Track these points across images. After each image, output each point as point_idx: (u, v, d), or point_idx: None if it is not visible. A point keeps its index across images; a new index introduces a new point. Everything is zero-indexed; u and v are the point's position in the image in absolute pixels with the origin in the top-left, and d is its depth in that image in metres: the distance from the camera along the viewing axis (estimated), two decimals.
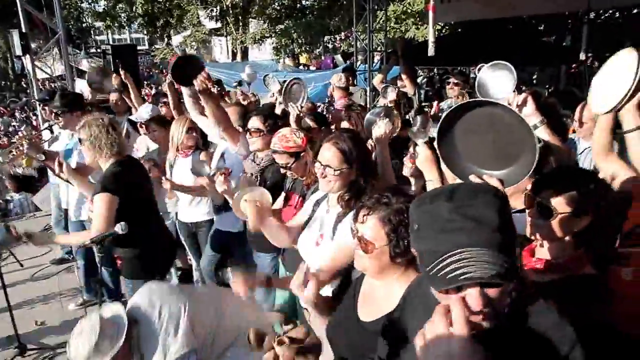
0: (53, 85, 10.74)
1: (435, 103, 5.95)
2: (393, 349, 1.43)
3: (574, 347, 1.13)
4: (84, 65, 17.33)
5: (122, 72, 5.02)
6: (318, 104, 7.90)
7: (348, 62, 14.96)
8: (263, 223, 2.42)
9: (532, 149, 1.49)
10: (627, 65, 1.77)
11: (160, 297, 2.29)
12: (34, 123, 14.21)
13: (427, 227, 1.09)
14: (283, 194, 3.08)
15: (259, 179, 3.21)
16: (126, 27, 29.70)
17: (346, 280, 2.07)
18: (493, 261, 1.01)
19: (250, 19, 22.12)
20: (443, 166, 1.86)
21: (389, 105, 4.67)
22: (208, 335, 2.33)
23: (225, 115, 3.46)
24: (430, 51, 3.64)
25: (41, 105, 5.73)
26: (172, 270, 4.74)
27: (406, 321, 1.42)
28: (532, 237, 1.69)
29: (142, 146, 4.68)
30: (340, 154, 2.24)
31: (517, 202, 1.86)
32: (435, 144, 1.67)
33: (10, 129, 16.10)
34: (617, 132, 2.03)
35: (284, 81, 4.35)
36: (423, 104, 6.56)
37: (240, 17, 22.27)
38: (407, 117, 5.29)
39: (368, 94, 8.95)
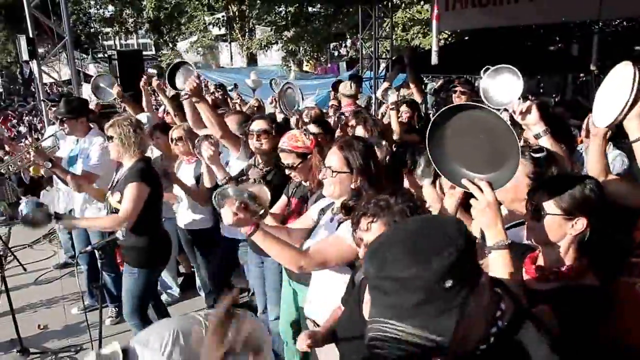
0: (59, 90, 10.83)
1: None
2: None
3: None
4: (91, 70, 17.47)
5: (143, 79, 5.09)
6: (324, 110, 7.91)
7: (354, 69, 14.99)
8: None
9: (516, 154, 1.51)
10: (625, 78, 1.80)
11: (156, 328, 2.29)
12: (39, 127, 14.30)
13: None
14: (283, 198, 3.07)
15: (262, 184, 3.19)
16: (133, 33, 29.97)
17: (351, 283, 2.06)
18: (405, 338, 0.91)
19: (256, 26, 22.25)
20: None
21: (391, 106, 4.68)
22: None
23: (222, 122, 3.47)
24: (434, 60, 3.64)
25: (49, 106, 5.76)
26: (171, 277, 4.74)
27: None
28: (528, 241, 1.71)
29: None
30: (342, 157, 2.26)
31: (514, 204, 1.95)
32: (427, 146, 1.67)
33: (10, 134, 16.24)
34: (624, 142, 2.04)
35: (281, 89, 4.39)
36: (429, 112, 6.54)
37: (246, 24, 22.42)
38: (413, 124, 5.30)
39: (374, 101, 8.96)
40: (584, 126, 3.27)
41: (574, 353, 1.38)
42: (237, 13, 21.90)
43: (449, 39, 15.31)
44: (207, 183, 3.52)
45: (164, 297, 4.50)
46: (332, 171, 2.25)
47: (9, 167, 4.83)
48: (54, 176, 4.53)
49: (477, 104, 1.62)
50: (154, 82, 5.07)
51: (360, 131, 3.49)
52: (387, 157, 3.03)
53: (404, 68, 6.46)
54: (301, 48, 20.33)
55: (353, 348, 1.80)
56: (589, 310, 1.51)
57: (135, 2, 24.16)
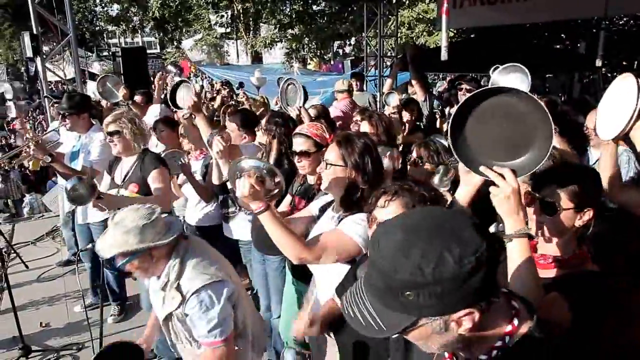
0: (64, 88, 10.86)
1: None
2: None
3: None
4: (96, 68, 17.49)
5: (159, 74, 5.14)
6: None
7: (359, 67, 14.94)
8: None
9: (548, 135, 1.47)
10: (627, 90, 1.82)
11: None
12: (43, 124, 14.34)
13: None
14: (288, 197, 3.02)
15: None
16: (138, 31, 30.04)
17: (351, 276, 2.02)
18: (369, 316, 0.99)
19: (261, 24, 22.23)
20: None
21: (393, 110, 4.67)
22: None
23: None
24: (443, 56, 3.58)
25: (52, 103, 5.76)
26: None
27: None
28: (538, 235, 1.68)
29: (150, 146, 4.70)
30: (338, 152, 2.24)
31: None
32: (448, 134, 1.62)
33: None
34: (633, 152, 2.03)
35: (282, 86, 4.38)
36: (434, 110, 6.48)
37: (251, 22, 22.40)
38: (417, 123, 5.29)
39: (378, 99, 8.90)
40: (586, 123, 3.24)
41: (582, 344, 1.37)
42: (241, 11, 21.88)
43: (455, 37, 15.22)
44: (215, 179, 3.49)
45: None
46: (327, 163, 2.25)
47: (9, 160, 4.81)
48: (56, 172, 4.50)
49: (506, 87, 1.58)
50: (169, 79, 5.12)
51: (366, 127, 3.45)
52: (398, 163, 2.97)
53: (406, 65, 6.41)
54: (305, 46, 20.29)
55: (352, 342, 1.77)
56: (597, 296, 1.51)
57: (140, 0, 24.20)
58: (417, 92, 5.94)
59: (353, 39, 21.37)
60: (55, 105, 5.14)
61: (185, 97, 3.66)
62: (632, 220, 2.18)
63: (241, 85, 9.65)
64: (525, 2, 7.71)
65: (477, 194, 1.74)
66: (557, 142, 2.15)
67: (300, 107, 3.87)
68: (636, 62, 13.14)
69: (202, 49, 24.79)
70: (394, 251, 0.96)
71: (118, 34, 32.92)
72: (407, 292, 0.94)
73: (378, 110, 6.75)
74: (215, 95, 9.16)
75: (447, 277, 0.92)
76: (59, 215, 6.01)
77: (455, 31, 14.74)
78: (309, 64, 21.68)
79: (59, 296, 4.85)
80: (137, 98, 5.71)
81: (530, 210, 1.66)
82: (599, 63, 6.91)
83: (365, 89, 7.74)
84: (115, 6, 26.83)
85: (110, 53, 14.32)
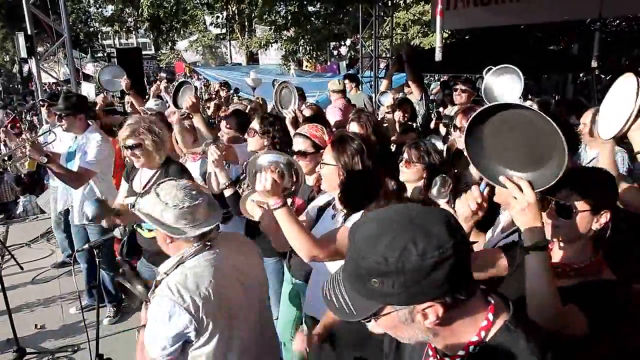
0: (59, 89, 10.83)
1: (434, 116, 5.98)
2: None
3: None
4: (89, 69, 17.43)
5: (156, 83, 5.23)
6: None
7: (352, 69, 14.97)
8: (270, 224, 2.38)
9: (562, 152, 1.46)
10: (628, 89, 1.82)
11: None
12: (38, 126, 14.28)
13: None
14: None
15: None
16: (133, 32, 29.95)
17: None
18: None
19: (256, 25, 22.22)
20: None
21: (387, 110, 4.70)
22: None
23: (215, 134, 3.62)
24: (438, 56, 3.60)
25: (45, 105, 5.73)
26: None
27: None
28: (554, 240, 1.66)
29: None
30: (331, 151, 2.29)
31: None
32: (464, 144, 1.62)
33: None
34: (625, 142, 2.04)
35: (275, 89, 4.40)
36: (430, 110, 6.52)
37: (246, 23, 22.39)
38: (409, 123, 5.31)
39: (374, 100, 8.93)
40: (586, 124, 3.27)
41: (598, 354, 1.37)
42: (236, 12, 21.87)
43: (450, 38, 15.30)
44: (214, 188, 3.48)
45: None
46: (322, 163, 2.31)
47: (3, 160, 4.78)
48: (49, 174, 4.48)
49: (522, 104, 1.59)
50: (162, 85, 5.15)
51: (355, 127, 3.49)
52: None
53: (403, 66, 6.45)
54: (301, 47, 20.30)
55: (346, 344, 1.78)
56: (613, 306, 1.50)
57: (134, 0, 24.12)
58: (413, 92, 5.98)
59: (348, 40, 21.41)
60: (51, 107, 5.11)
61: (186, 98, 3.65)
62: None
63: (236, 91, 9.58)
64: (518, 3, 7.74)
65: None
66: None
67: (295, 109, 3.89)
68: (627, 62, 13.24)
69: (197, 50, 24.74)
70: (365, 239, 1.02)
71: (112, 35, 32.80)
72: (373, 280, 0.99)
73: (374, 111, 6.78)
74: (213, 95, 9.12)
75: (409, 268, 0.96)
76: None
77: (449, 32, 14.81)
78: (306, 66, 21.69)
79: (54, 298, 4.82)
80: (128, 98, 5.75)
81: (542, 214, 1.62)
82: (594, 64, 6.95)
83: (360, 89, 7.75)
84: (110, 7, 26.75)
85: (106, 54, 14.30)
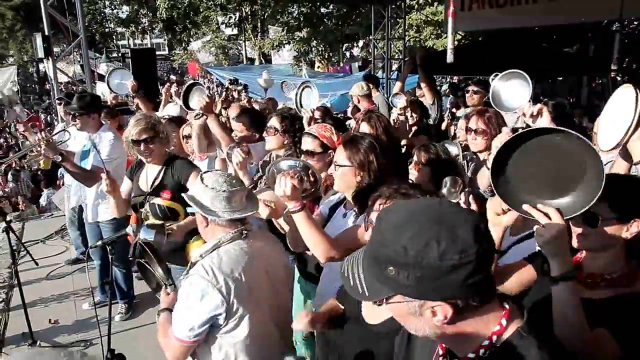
0: (74, 89, 11.01)
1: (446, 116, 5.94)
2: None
3: None
4: (102, 69, 17.66)
5: (166, 85, 5.30)
6: (337, 113, 7.86)
7: (366, 70, 14.94)
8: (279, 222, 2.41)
9: (596, 175, 1.41)
10: (627, 101, 1.79)
11: None
12: (55, 124, 14.52)
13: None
14: None
15: None
16: (147, 33, 30.28)
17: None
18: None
19: (269, 26, 22.32)
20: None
21: (399, 112, 4.68)
22: None
23: (228, 137, 3.58)
24: (449, 58, 3.58)
25: (62, 104, 5.83)
26: None
27: None
28: (580, 249, 1.61)
29: None
30: (344, 152, 2.32)
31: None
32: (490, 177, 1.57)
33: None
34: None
35: (299, 87, 4.42)
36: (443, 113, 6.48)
37: (258, 24, 22.50)
38: (421, 124, 5.28)
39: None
40: (594, 130, 3.23)
41: None
42: (249, 13, 21.99)
43: (463, 40, 15.20)
44: None
45: None
46: (336, 165, 2.32)
47: (20, 159, 4.88)
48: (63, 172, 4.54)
49: (556, 128, 1.56)
50: (173, 88, 5.22)
51: (365, 127, 3.49)
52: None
53: (415, 68, 6.41)
54: (313, 48, 20.34)
55: (347, 346, 1.78)
56: None
57: (150, 1, 24.39)
58: (425, 95, 5.94)
59: (361, 41, 21.40)
60: (65, 106, 5.20)
61: (197, 99, 3.68)
62: None
63: (245, 88, 9.63)
64: (535, 4, 7.59)
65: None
66: None
67: (313, 109, 3.93)
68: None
69: (210, 51, 24.92)
70: (390, 227, 1.03)
71: (127, 35, 33.21)
72: (390, 267, 1.00)
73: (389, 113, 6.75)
74: (226, 93, 9.17)
75: (426, 265, 0.96)
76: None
77: (463, 34, 14.71)
78: (318, 67, 21.72)
79: (68, 294, 4.90)
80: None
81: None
82: (614, 66, 6.81)
83: (378, 91, 7.70)
84: (125, 8, 27.10)
85: (120, 54, 14.50)
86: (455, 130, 5.23)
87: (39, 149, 3.94)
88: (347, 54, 24.67)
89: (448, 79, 15.83)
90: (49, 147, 3.85)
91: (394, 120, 4.99)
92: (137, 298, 4.57)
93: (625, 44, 11.63)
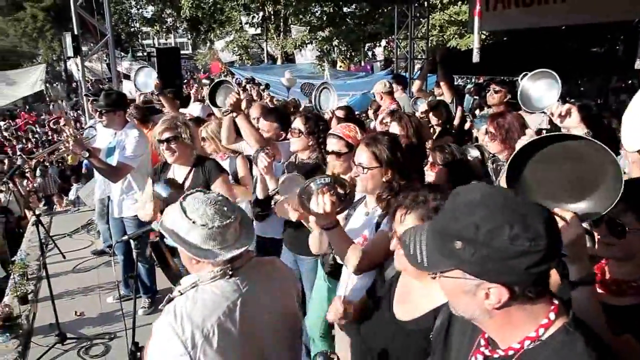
0: (101, 87, 11.31)
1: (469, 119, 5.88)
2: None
3: None
4: (124, 66, 18.03)
5: (195, 87, 5.42)
6: (357, 113, 7.86)
7: (388, 69, 14.88)
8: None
9: (614, 179, 1.40)
10: None
11: None
12: (82, 121, 14.87)
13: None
14: None
15: None
16: (171, 32, 30.75)
17: (380, 280, 2.05)
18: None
19: (292, 25, 22.39)
20: None
21: (421, 115, 4.64)
22: None
23: (257, 134, 3.59)
24: (475, 57, 3.54)
25: (90, 100, 5.98)
26: None
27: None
28: (605, 257, 1.59)
29: None
30: (371, 153, 2.31)
31: None
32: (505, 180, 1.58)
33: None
34: None
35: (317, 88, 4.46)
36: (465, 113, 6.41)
37: (281, 24, 22.60)
38: (446, 126, 5.24)
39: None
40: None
41: None
42: (272, 13, 22.10)
43: (487, 40, 14.99)
44: (259, 193, 3.55)
45: None
46: (363, 167, 2.30)
47: (48, 155, 5.03)
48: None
49: (571, 134, 1.56)
50: (205, 91, 5.30)
51: (395, 128, 3.46)
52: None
53: (435, 67, 6.36)
54: (335, 48, 20.32)
55: (378, 342, 1.79)
56: None
57: (175, 0, 24.77)
58: (444, 94, 5.90)
59: (383, 40, 21.29)
60: (93, 102, 5.34)
61: (224, 97, 3.73)
62: None
63: (267, 86, 9.72)
64: (563, 3, 7.43)
65: None
66: None
67: (333, 110, 3.96)
68: None
69: (233, 50, 25.13)
70: (465, 203, 1.06)
71: (152, 34, 33.76)
72: (457, 241, 1.03)
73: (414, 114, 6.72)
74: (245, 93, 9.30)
75: (495, 245, 0.99)
76: (94, 209, 6.22)
77: (487, 34, 14.50)
78: (340, 66, 21.71)
79: (93, 287, 5.02)
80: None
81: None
82: (638, 65, 6.63)
83: (405, 92, 7.64)
84: (150, 8, 27.56)
85: (146, 53, 14.80)
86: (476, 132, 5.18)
87: (67, 144, 4.05)
88: (370, 53, 24.57)
89: (473, 80, 15.65)
90: (77, 143, 3.95)
91: None
92: (160, 293, 4.65)
93: None
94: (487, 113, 5.36)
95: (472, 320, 1.14)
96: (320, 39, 19.39)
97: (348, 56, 21.20)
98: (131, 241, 3.10)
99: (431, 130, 4.94)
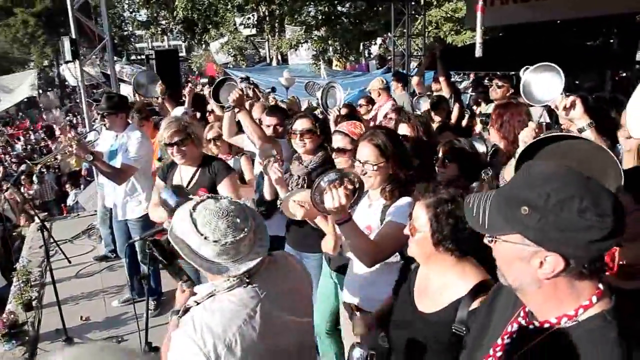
0: (109, 91, 11.30)
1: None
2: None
3: None
4: (116, 69, 17.98)
5: (190, 85, 5.41)
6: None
7: (385, 67, 14.88)
8: (316, 222, 2.43)
9: (615, 178, 1.44)
10: None
11: None
12: (79, 126, 14.81)
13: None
14: None
15: (306, 180, 3.19)
16: (167, 35, 30.66)
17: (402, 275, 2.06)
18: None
19: (287, 25, 22.36)
20: None
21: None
22: None
23: (260, 129, 3.61)
24: (478, 52, 3.56)
25: (93, 106, 5.97)
26: None
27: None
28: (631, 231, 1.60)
29: None
30: (376, 150, 2.34)
31: None
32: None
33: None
34: None
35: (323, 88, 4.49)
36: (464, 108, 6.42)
37: (276, 24, 22.56)
38: (446, 121, 5.25)
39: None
40: (623, 122, 3.16)
41: None
42: (267, 13, 22.05)
43: (484, 35, 15.03)
44: (266, 195, 3.56)
45: None
46: (372, 165, 2.33)
47: (50, 160, 5.00)
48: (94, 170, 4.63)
49: (570, 134, 1.60)
50: (206, 90, 5.30)
51: (404, 129, 3.46)
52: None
53: (434, 62, 6.37)
54: (331, 47, 20.33)
55: (403, 334, 1.80)
56: None
57: (169, 3, 24.69)
58: (443, 90, 5.91)
59: (379, 38, 21.31)
60: (95, 106, 5.32)
61: (227, 93, 3.74)
62: None
63: (273, 90, 9.64)
64: None
65: None
66: (593, 137, 2.09)
67: (339, 108, 3.99)
68: None
69: (228, 52, 25.07)
70: (539, 173, 1.09)
71: (146, 37, 33.67)
72: (524, 207, 1.05)
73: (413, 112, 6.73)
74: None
75: (563, 215, 1.01)
76: (93, 214, 6.19)
77: (484, 29, 14.53)
78: (336, 65, 21.68)
79: (97, 291, 4.99)
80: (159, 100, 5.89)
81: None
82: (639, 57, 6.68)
83: (405, 90, 7.65)
84: (143, 11, 27.43)
85: (144, 56, 14.77)
86: (477, 127, 5.19)
87: (70, 149, 4.03)
88: (366, 52, 24.59)
89: (471, 76, 15.67)
90: (80, 147, 3.94)
91: None
92: (165, 295, 4.63)
93: None
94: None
95: (519, 290, 1.15)
96: (315, 38, 19.40)
97: (344, 55, 21.19)
98: (136, 244, 3.11)
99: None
